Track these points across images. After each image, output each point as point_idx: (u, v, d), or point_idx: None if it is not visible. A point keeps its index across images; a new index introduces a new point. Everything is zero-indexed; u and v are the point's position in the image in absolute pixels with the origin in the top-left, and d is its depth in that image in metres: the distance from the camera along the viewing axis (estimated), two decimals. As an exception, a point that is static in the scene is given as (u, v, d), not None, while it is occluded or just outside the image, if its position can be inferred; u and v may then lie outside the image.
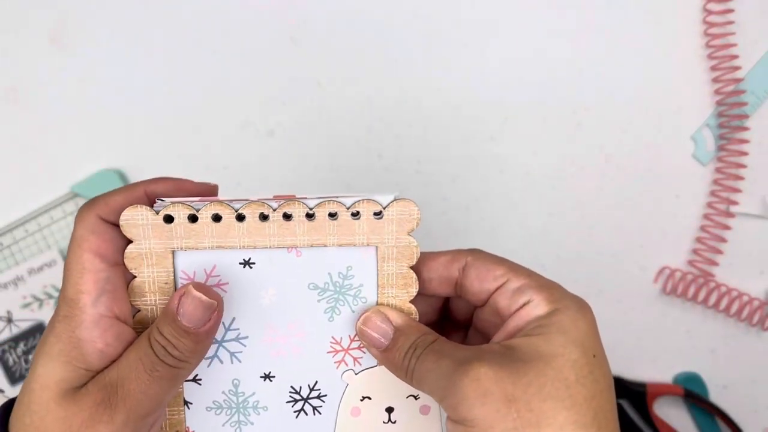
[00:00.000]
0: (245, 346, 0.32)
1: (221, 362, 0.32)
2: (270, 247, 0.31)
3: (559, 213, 0.55)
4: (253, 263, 0.31)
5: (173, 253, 0.31)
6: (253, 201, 0.30)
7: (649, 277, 0.55)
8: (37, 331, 0.54)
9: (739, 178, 0.54)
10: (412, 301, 0.33)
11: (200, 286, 0.30)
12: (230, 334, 0.32)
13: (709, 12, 0.53)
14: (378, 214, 0.31)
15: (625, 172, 0.55)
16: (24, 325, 0.54)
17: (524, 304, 0.30)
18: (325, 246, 0.31)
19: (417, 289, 0.32)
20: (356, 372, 0.33)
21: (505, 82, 0.55)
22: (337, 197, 0.31)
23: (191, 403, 0.33)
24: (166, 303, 0.30)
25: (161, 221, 0.30)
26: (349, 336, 0.33)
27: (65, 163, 0.55)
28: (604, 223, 0.55)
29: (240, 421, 0.33)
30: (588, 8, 0.54)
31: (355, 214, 0.31)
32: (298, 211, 0.30)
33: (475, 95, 0.55)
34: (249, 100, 0.56)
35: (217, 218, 0.30)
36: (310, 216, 0.31)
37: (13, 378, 0.54)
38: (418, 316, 0.33)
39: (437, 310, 0.36)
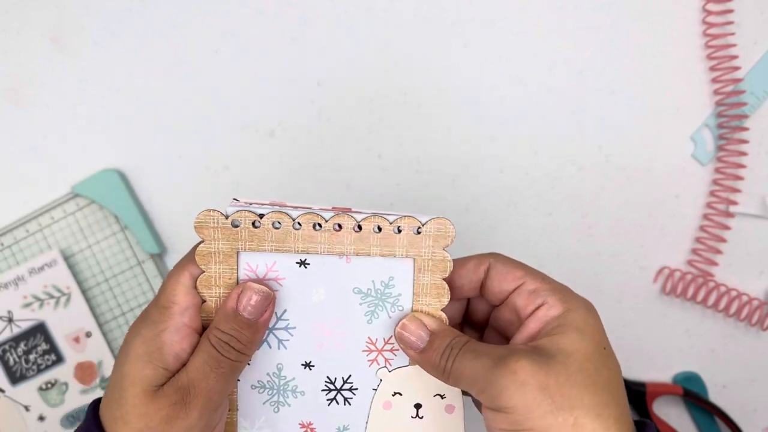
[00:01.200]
0: (292, 335, 0.36)
1: (269, 347, 0.36)
2: (321, 253, 0.35)
3: (559, 213, 0.55)
4: (308, 264, 0.35)
5: (237, 253, 0.35)
6: (310, 211, 0.34)
7: (648, 277, 0.56)
8: (37, 331, 0.54)
9: (739, 178, 0.54)
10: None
11: (258, 281, 0.35)
12: (281, 324, 0.36)
13: (709, 12, 0.53)
14: (417, 231, 0.35)
15: (625, 172, 0.55)
16: (24, 325, 0.54)
17: (540, 305, 0.34)
18: (369, 255, 0.35)
19: (449, 299, 0.36)
20: (389, 370, 0.36)
21: (505, 81, 0.55)
22: (382, 213, 0.35)
23: (239, 380, 0.37)
24: (224, 301, 0.34)
25: (229, 225, 0.34)
26: (384, 338, 0.36)
27: (66, 163, 0.55)
28: (604, 223, 0.55)
29: (279, 402, 0.37)
30: (588, 8, 0.54)
31: (398, 229, 0.34)
32: (347, 223, 0.34)
33: (475, 95, 0.55)
34: (249, 100, 0.56)
35: (276, 225, 0.34)
36: (358, 228, 0.34)
37: (14, 378, 0.55)
38: (448, 322, 0.36)
39: (461, 313, 0.40)
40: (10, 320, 0.54)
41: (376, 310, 0.36)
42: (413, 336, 0.35)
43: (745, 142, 0.53)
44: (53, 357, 0.55)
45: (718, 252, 0.54)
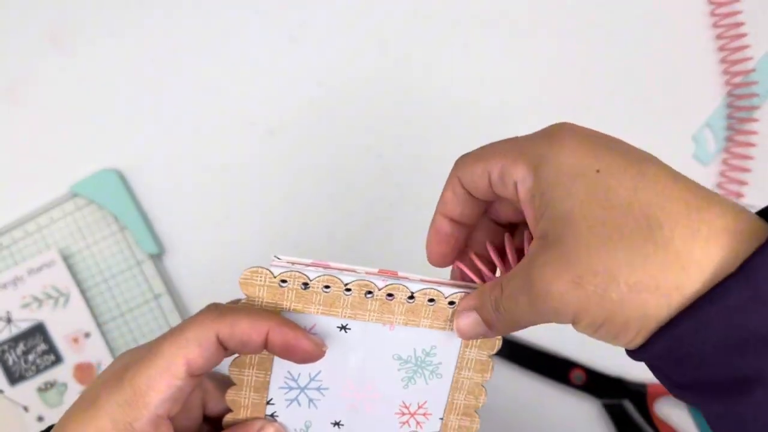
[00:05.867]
0: (324, 395, 0.35)
1: (299, 405, 0.35)
2: (369, 321, 0.33)
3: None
4: (349, 329, 0.33)
5: (281, 313, 0.33)
6: (362, 278, 0.32)
7: (650, 278, 0.55)
8: (36, 331, 0.54)
9: (746, 170, 0.53)
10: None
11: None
12: (313, 384, 0.34)
13: (714, 14, 0.53)
14: None
15: (625, 172, 0.55)
16: (23, 326, 0.54)
17: (516, 186, 0.29)
18: (418, 326, 0.33)
19: (491, 375, 0.34)
20: None
21: (505, 82, 0.55)
22: (437, 285, 0.33)
23: None
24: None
25: (277, 284, 0.32)
26: (418, 403, 0.35)
27: (65, 163, 0.55)
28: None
29: None
30: (588, 8, 0.54)
31: (451, 303, 0.33)
32: (401, 294, 0.33)
33: (475, 95, 0.55)
34: (249, 100, 0.56)
35: (326, 288, 0.32)
36: (410, 298, 0.33)
37: (13, 378, 0.54)
38: (486, 399, 0.35)
39: (478, 216, 0.35)
40: (9, 320, 0.54)
41: (414, 376, 0.35)
42: (471, 332, 0.32)
43: (754, 133, 0.53)
44: (52, 357, 0.54)
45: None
